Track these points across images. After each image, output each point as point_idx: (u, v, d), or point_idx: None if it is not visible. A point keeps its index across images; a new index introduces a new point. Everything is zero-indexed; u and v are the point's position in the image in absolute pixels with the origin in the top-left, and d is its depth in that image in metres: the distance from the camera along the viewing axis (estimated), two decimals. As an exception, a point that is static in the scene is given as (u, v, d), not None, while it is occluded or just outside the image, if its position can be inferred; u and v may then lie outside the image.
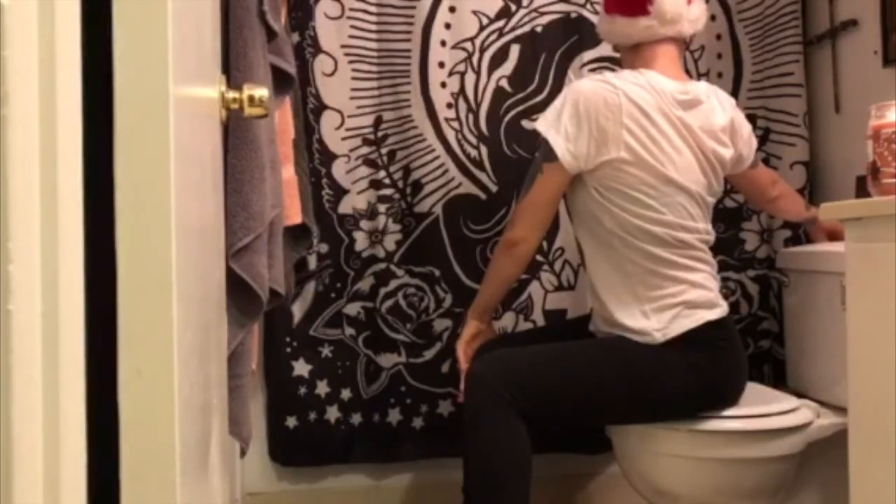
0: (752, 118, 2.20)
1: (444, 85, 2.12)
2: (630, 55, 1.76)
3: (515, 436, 1.58)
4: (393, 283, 2.11)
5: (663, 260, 1.65)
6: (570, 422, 1.86)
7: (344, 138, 2.10)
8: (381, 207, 2.11)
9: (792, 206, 2.02)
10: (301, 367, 2.09)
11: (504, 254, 1.76)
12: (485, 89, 2.13)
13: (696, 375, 1.62)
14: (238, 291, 1.22)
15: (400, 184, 2.13)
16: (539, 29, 2.14)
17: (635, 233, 1.64)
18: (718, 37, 2.21)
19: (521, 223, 1.72)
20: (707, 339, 1.64)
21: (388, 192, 2.12)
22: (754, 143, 1.86)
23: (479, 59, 2.13)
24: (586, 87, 1.64)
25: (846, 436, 1.29)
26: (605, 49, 2.12)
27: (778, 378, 2.14)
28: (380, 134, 2.12)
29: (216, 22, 1.17)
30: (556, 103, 1.66)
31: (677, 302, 1.64)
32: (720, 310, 1.68)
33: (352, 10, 2.09)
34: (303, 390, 2.09)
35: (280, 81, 1.41)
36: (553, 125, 1.64)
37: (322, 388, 2.10)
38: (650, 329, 1.63)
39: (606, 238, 1.67)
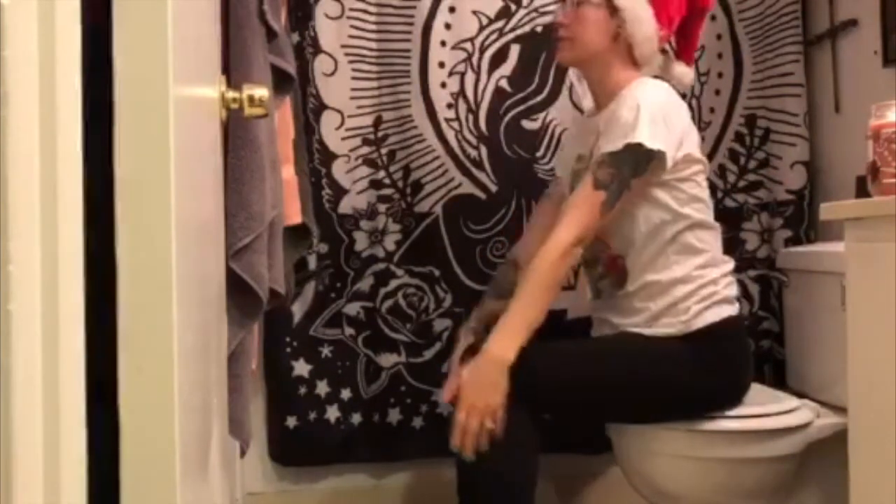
0: (752, 118, 2.21)
1: (444, 85, 2.12)
2: (610, 63, 1.73)
3: (524, 436, 1.57)
4: (393, 283, 2.11)
5: (711, 254, 1.68)
6: (579, 419, 1.86)
7: (344, 138, 2.10)
8: (381, 207, 2.11)
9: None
10: (301, 367, 2.09)
11: (565, 260, 1.63)
12: (485, 89, 2.13)
13: (710, 373, 1.63)
14: (238, 291, 1.22)
15: (400, 184, 2.12)
16: (539, 29, 2.14)
17: (693, 227, 1.66)
18: (718, 37, 2.21)
19: (585, 231, 1.62)
20: (722, 336, 1.66)
21: (388, 192, 2.12)
22: None
23: (479, 59, 2.13)
24: (655, 91, 1.64)
25: (846, 436, 1.30)
26: (605, 49, 2.12)
27: (778, 378, 2.13)
28: (380, 134, 2.12)
29: (216, 22, 1.17)
30: (629, 117, 1.59)
31: (714, 301, 1.66)
32: (736, 307, 1.72)
33: (352, 10, 2.09)
34: (303, 390, 2.09)
35: (280, 81, 1.41)
36: (647, 134, 1.57)
37: (322, 387, 2.10)
38: (675, 322, 1.64)
39: (661, 247, 1.66)
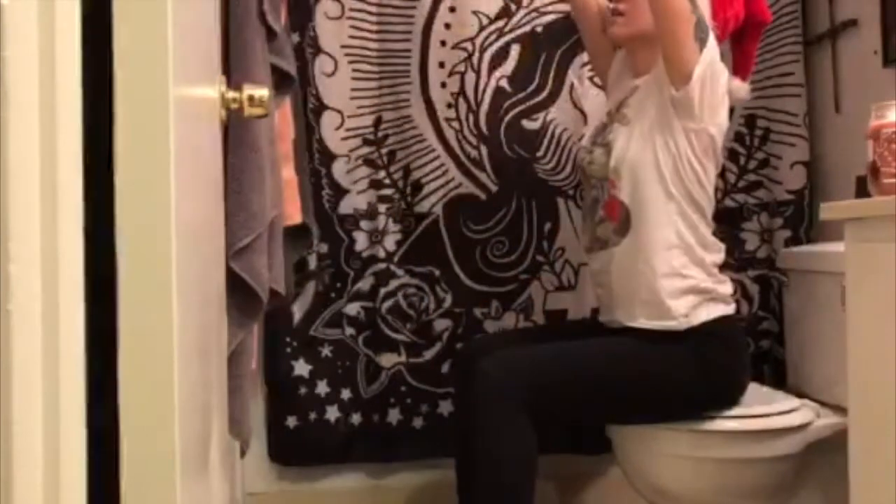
0: (751, 118, 2.21)
1: (444, 85, 2.12)
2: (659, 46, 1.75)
3: (525, 437, 1.58)
4: (393, 283, 2.11)
5: (703, 238, 1.68)
6: (580, 420, 1.86)
7: (344, 138, 2.10)
8: (381, 207, 2.11)
9: None
10: (301, 367, 2.09)
11: None
12: (485, 89, 2.13)
13: (707, 374, 1.63)
14: (238, 291, 1.22)
15: (400, 184, 2.12)
16: (539, 29, 2.14)
17: (693, 205, 1.66)
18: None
19: None
20: (718, 336, 1.66)
21: (388, 192, 2.12)
22: None
23: (479, 59, 2.13)
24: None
25: (846, 436, 1.30)
26: (605, 49, 2.12)
27: (778, 378, 2.14)
28: (380, 134, 2.12)
29: (216, 22, 1.17)
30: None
31: (711, 297, 1.66)
32: (732, 306, 1.72)
33: (352, 10, 2.09)
34: (303, 390, 2.09)
35: (280, 81, 1.41)
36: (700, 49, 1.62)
37: (322, 387, 2.10)
38: (677, 314, 1.63)
39: (664, 201, 1.66)
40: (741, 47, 1.86)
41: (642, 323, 1.66)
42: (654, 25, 1.64)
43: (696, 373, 1.62)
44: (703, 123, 1.64)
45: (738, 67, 1.85)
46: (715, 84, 1.64)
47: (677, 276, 1.65)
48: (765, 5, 1.86)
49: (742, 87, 1.83)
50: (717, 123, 1.66)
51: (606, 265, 1.73)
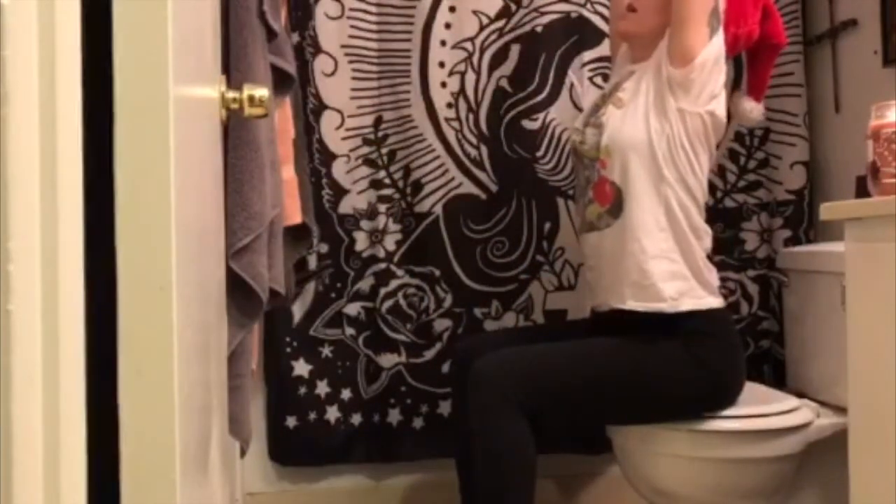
0: (752, 118, 2.21)
1: (444, 85, 2.12)
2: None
3: (522, 437, 1.58)
4: (393, 283, 2.11)
5: (704, 230, 1.69)
6: (576, 421, 1.87)
7: (344, 138, 2.10)
8: (381, 207, 2.11)
9: None
10: (301, 367, 2.09)
11: None
12: (485, 89, 2.13)
13: (704, 373, 1.63)
14: (238, 291, 1.22)
15: (400, 184, 2.13)
16: (539, 29, 2.14)
17: (687, 194, 1.66)
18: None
19: None
20: (716, 334, 1.66)
21: (388, 192, 2.12)
22: None
23: (480, 59, 2.13)
24: None
25: (846, 436, 1.30)
26: (605, 49, 2.12)
27: (778, 378, 2.14)
28: (380, 134, 2.12)
29: (216, 22, 1.17)
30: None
31: (700, 285, 1.66)
32: (721, 300, 1.72)
33: (352, 10, 2.09)
34: (303, 390, 2.09)
35: (280, 81, 1.41)
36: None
37: (322, 388, 2.10)
38: (666, 296, 1.63)
39: (656, 182, 1.66)
40: (755, 69, 1.86)
41: (631, 305, 1.66)
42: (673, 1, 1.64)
43: (692, 372, 1.62)
44: (697, 107, 1.63)
45: (752, 88, 1.86)
46: (715, 74, 1.64)
47: (667, 258, 1.65)
48: (781, 28, 1.86)
49: (756, 108, 1.83)
50: (711, 111, 1.66)
51: (597, 247, 1.73)
